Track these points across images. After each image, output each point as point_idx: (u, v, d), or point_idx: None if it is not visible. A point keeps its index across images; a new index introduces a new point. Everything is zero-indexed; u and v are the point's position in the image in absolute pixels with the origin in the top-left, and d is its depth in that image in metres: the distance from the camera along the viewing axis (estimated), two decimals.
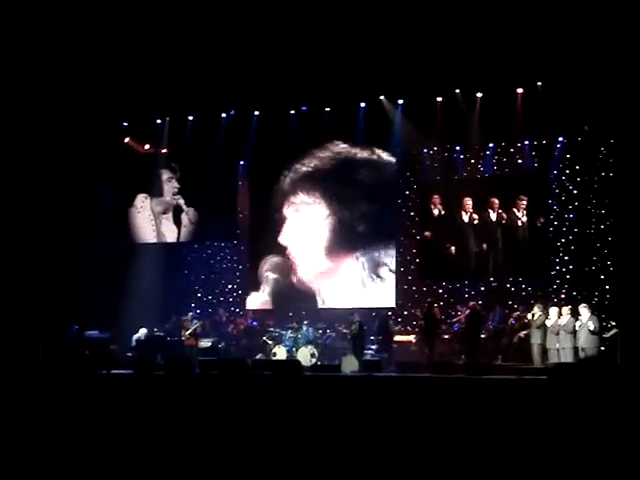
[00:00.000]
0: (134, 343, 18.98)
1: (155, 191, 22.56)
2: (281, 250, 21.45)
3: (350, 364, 16.66)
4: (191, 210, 22.29)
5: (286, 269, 21.37)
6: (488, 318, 17.74)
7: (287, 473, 9.27)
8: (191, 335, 18.62)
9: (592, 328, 15.10)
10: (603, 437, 9.33)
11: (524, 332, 16.72)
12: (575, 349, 15.31)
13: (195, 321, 18.93)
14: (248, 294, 21.62)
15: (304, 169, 21.54)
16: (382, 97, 19.92)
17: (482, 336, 17.19)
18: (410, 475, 9.13)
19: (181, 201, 22.38)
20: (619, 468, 8.68)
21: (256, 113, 20.93)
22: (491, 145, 19.64)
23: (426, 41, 17.53)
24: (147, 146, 22.31)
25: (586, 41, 16.60)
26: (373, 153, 20.92)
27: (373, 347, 18.36)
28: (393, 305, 20.21)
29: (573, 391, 10.87)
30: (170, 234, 22.52)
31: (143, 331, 19.15)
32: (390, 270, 20.51)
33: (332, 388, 12.64)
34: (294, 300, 20.98)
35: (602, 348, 15.66)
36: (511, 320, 17.54)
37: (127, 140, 22.01)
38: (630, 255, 17.18)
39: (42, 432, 11.14)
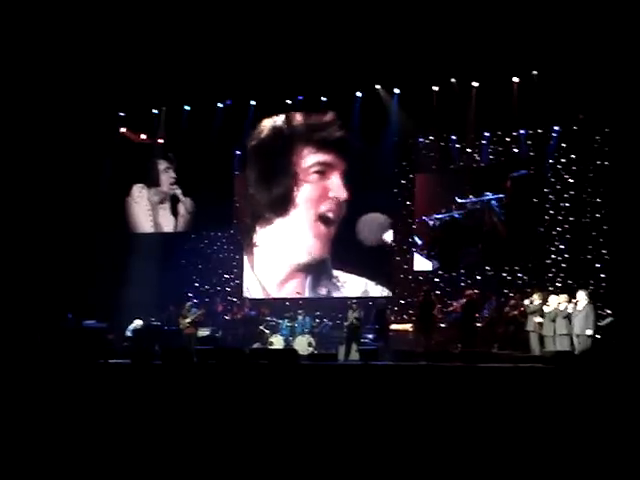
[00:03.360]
0: (129, 334, 19.03)
1: (152, 181, 22.57)
2: None
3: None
4: (188, 200, 22.30)
5: None
6: (484, 307, 17.81)
7: (285, 461, 9.33)
8: (191, 324, 18.68)
9: (590, 333, 15.10)
10: (600, 426, 9.40)
11: (520, 319, 16.77)
12: (570, 336, 15.34)
13: (194, 310, 19.00)
14: None
15: None
16: (378, 86, 19.94)
17: (478, 325, 17.24)
18: (407, 463, 9.20)
19: (178, 191, 22.39)
20: (617, 457, 8.76)
21: (252, 103, 20.95)
22: (487, 134, 19.68)
23: (422, 30, 17.55)
24: (143, 136, 22.31)
25: (581, 30, 16.62)
26: None
27: (370, 336, 18.41)
28: (389, 294, 20.28)
29: (571, 379, 10.93)
30: (167, 224, 22.54)
31: (138, 322, 19.21)
32: None
33: (329, 377, 12.69)
34: None
35: (597, 336, 15.68)
36: (506, 308, 17.63)
37: (123, 130, 22.00)
38: (625, 244, 17.25)
39: (40, 422, 11.19)
